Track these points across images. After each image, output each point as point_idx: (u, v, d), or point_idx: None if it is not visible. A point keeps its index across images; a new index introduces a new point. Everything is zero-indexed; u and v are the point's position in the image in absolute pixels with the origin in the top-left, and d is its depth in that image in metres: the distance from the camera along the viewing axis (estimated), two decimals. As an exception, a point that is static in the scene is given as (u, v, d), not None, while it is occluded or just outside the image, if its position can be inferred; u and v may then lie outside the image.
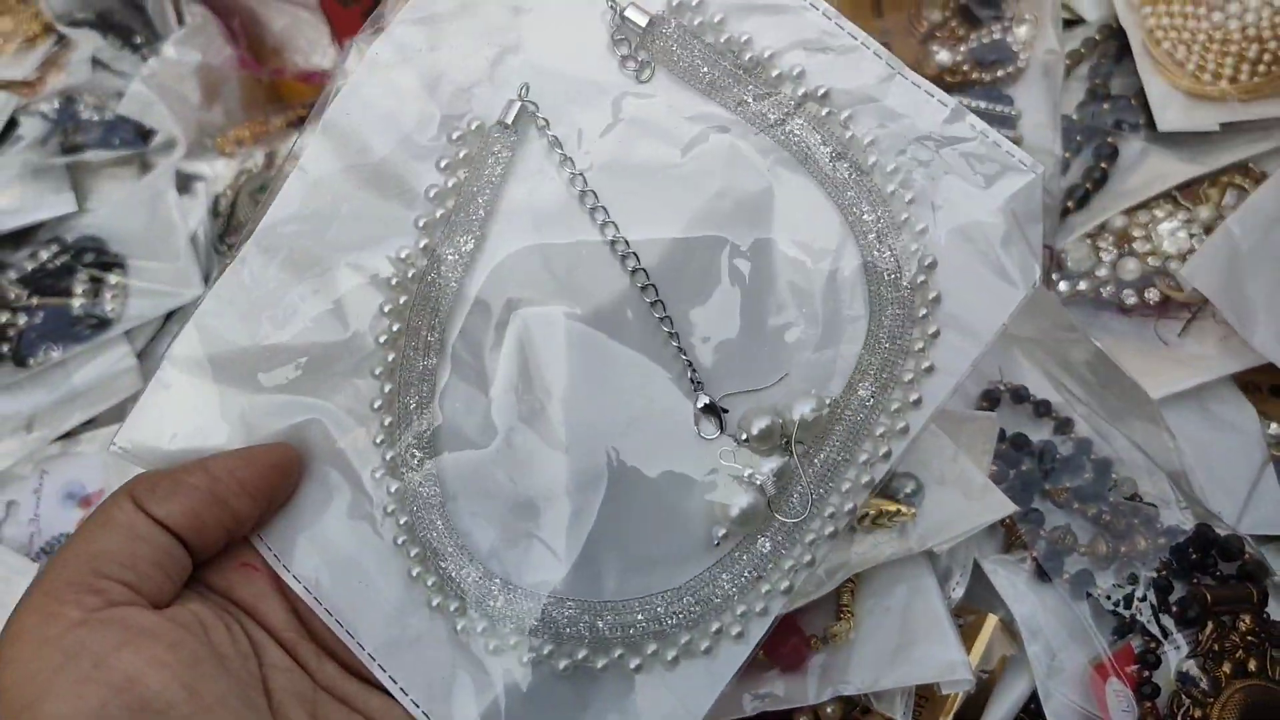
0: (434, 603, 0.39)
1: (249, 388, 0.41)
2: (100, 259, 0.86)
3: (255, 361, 0.41)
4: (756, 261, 0.41)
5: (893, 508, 0.49)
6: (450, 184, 0.41)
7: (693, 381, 0.40)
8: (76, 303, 0.83)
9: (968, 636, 0.51)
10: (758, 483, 0.38)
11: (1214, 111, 0.62)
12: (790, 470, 0.39)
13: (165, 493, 0.37)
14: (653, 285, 0.40)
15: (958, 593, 0.51)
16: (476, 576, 0.39)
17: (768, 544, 0.40)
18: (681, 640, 0.39)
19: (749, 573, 0.40)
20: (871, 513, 0.49)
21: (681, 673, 0.40)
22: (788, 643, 0.49)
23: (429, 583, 0.39)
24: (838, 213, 0.40)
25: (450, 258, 0.40)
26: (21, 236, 0.88)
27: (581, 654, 0.39)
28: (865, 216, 0.40)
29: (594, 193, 0.41)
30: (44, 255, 0.87)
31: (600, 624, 0.39)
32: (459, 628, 0.39)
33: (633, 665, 0.39)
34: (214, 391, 0.41)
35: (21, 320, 0.82)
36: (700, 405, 0.40)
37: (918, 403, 0.40)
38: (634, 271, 0.40)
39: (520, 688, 0.39)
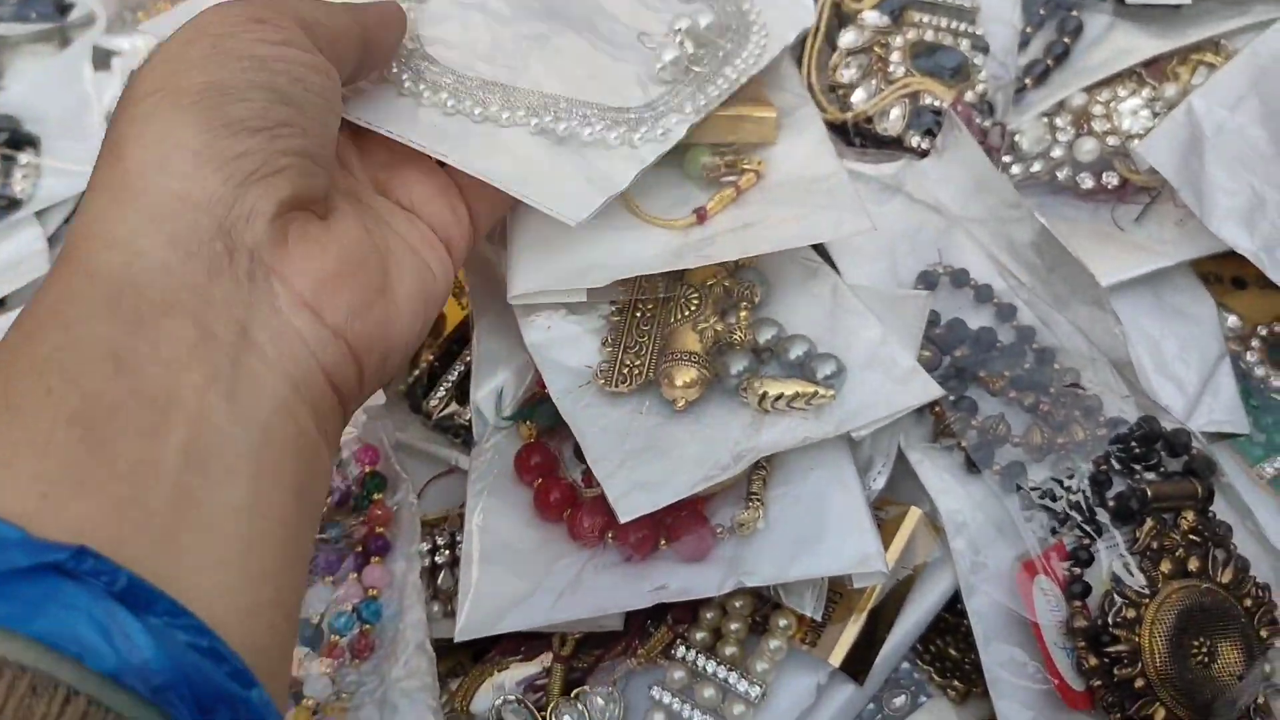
0: None
1: None
2: (13, 138, 0.81)
3: None
4: None
5: (810, 389, 0.45)
6: None
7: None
8: (-13, 181, 0.78)
9: (888, 530, 0.47)
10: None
11: (1186, -17, 0.57)
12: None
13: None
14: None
15: (879, 483, 0.47)
16: None
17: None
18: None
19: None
20: (787, 393, 0.45)
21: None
22: (692, 532, 0.45)
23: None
24: None
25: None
26: (-72, 115, 0.84)
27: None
28: None
29: None
30: (-47, 132, 0.82)
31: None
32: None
33: None
34: None
35: (-74, 200, 0.77)
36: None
37: None
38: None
39: None
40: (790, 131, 0.53)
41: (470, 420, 0.54)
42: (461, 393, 0.55)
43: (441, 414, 0.55)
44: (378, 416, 0.54)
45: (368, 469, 0.53)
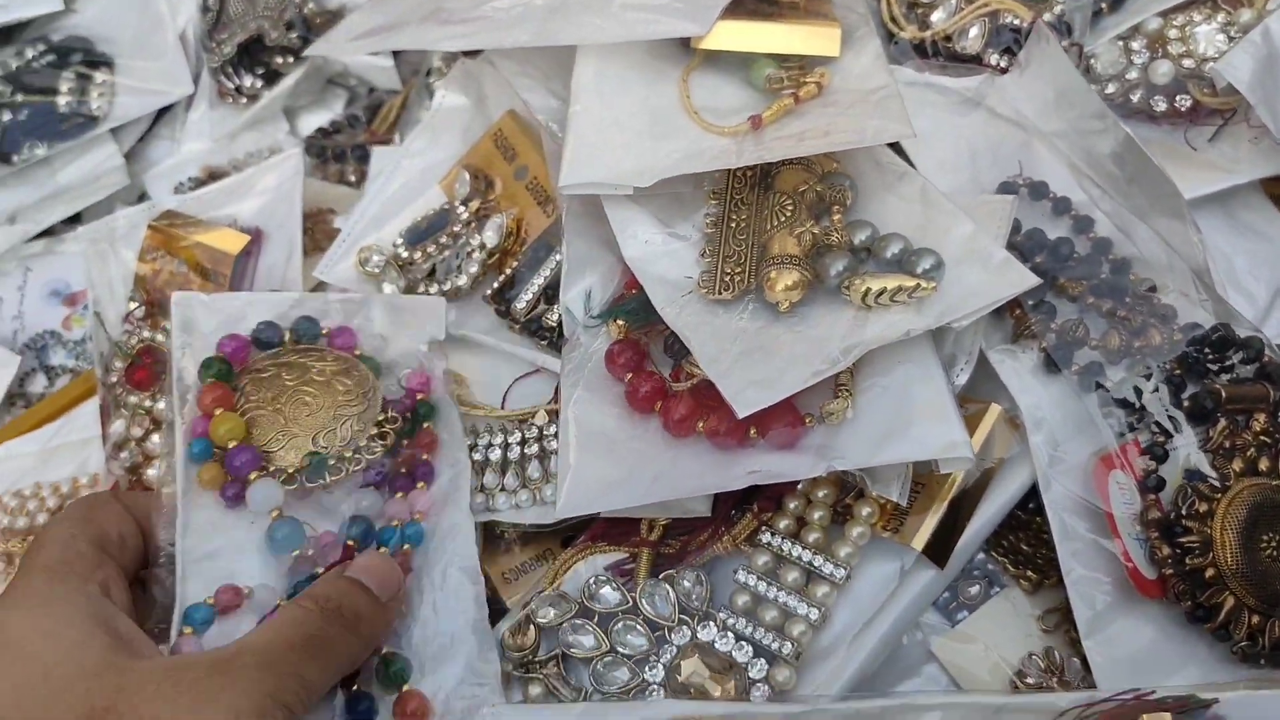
0: None
1: None
2: (88, 58, 0.83)
3: None
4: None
5: (911, 283, 0.47)
6: None
7: None
8: (62, 101, 0.80)
9: (970, 425, 0.49)
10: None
11: (1267, -97, 0.58)
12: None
13: None
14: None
15: (961, 379, 0.49)
16: None
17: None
18: None
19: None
20: (889, 288, 0.47)
21: None
22: (783, 421, 0.47)
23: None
24: None
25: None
26: (6, 36, 0.86)
27: None
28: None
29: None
30: (30, 54, 0.84)
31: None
32: None
33: None
34: None
35: (6, 117, 0.79)
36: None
37: None
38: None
39: None
40: (849, 49, 0.55)
41: (555, 322, 0.56)
42: (548, 296, 0.57)
43: (528, 316, 0.57)
44: (437, 349, 0.57)
45: (420, 396, 0.54)
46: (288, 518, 0.48)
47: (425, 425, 0.53)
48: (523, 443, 0.54)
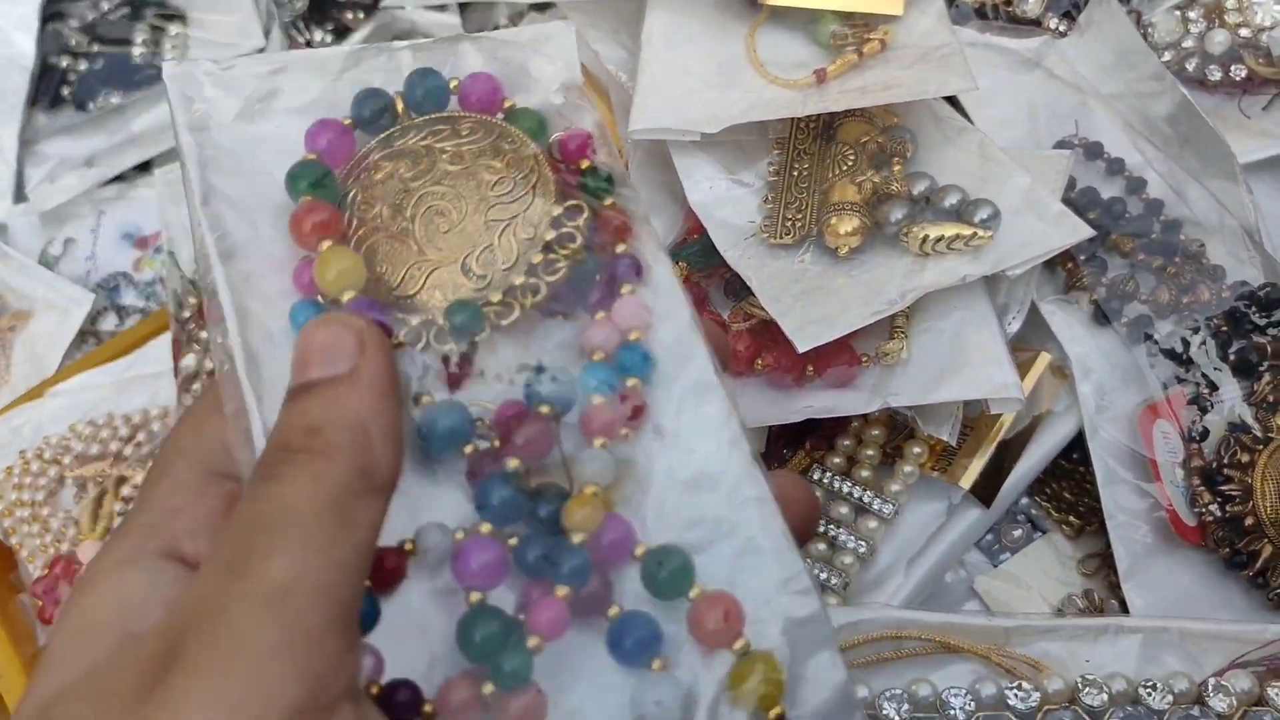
0: None
1: None
2: (161, 11, 0.85)
3: None
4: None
5: (968, 231, 0.48)
6: None
7: None
8: (136, 52, 0.83)
9: (1019, 372, 0.50)
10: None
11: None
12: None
13: None
14: None
15: (1013, 327, 0.50)
16: None
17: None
18: None
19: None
20: (947, 235, 0.48)
21: None
22: (839, 359, 0.49)
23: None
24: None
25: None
26: (83, -11, 0.88)
27: None
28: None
29: None
30: (105, 6, 0.86)
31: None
32: None
33: None
34: None
35: (82, 66, 0.82)
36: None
37: None
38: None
39: None
40: (913, 7, 0.56)
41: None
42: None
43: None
44: (580, 97, 0.36)
45: (584, 164, 0.34)
46: (442, 401, 0.30)
47: (608, 203, 0.33)
48: None
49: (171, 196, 0.74)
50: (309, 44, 0.80)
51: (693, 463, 0.30)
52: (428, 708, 0.26)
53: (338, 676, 0.23)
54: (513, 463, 0.29)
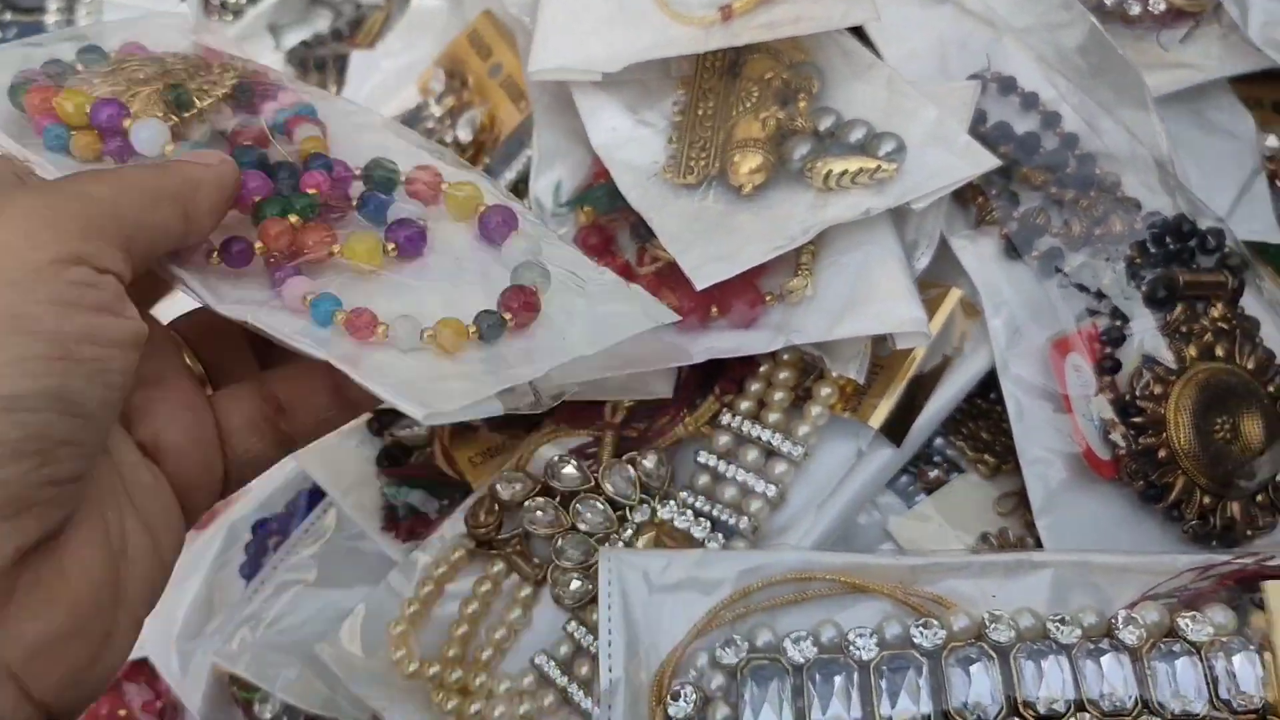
0: None
1: None
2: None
3: None
4: None
5: (872, 164, 0.47)
6: None
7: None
8: (50, 20, 0.81)
9: (929, 309, 0.49)
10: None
11: None
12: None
13: None
14: None
15: (922, 262, 0.49)
16: None
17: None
18: None
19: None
20: (851, 169, 0.47)
21: None
22: (743, 298, 0.48)
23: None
24: None
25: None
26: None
27: None
28: None
29: None
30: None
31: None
32: None
33: None
34: None
35: (-6, 34, 0.80)
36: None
37: None
38: None
39: None
40: None
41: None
42: (520, 191, 0.57)
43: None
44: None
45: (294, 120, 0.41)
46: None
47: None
48: None
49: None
50: (224, 5, 0.78)
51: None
52: (258, 247, 0.35)
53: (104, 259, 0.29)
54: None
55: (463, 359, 0.35)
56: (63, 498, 0.27)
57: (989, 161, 0.47)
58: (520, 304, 0.36)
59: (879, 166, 0.47)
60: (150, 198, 0.32)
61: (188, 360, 0.37)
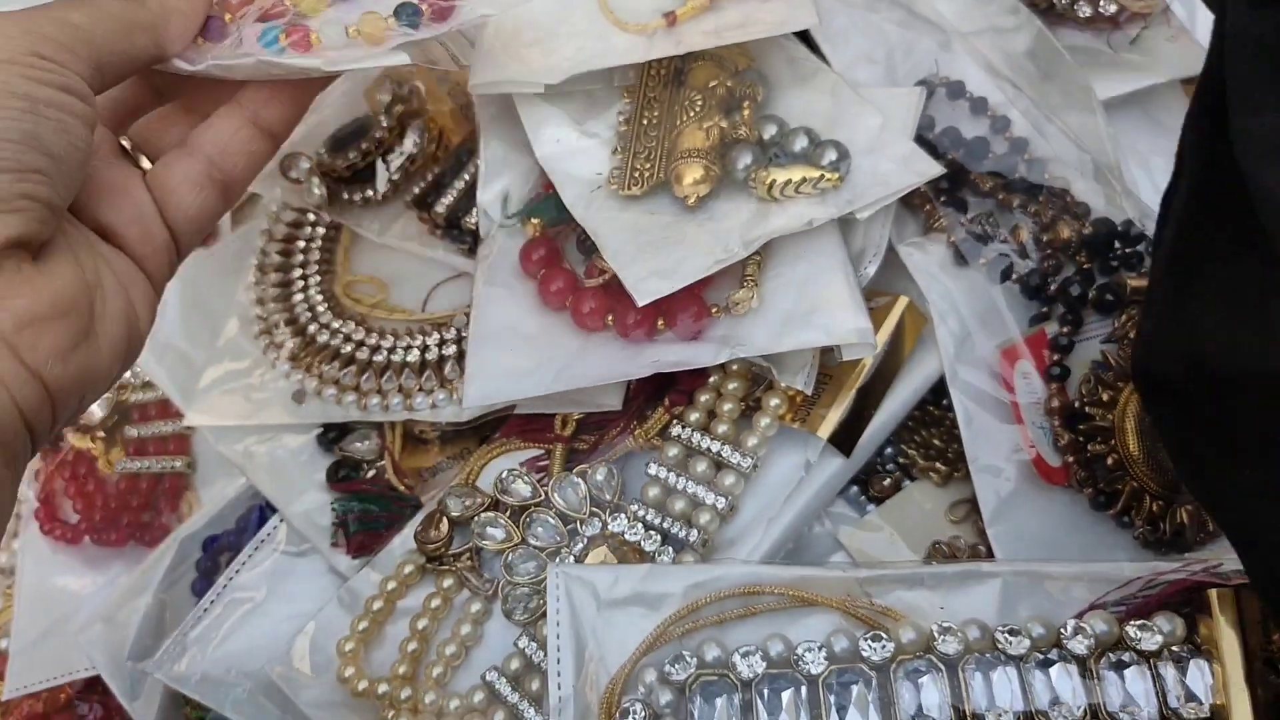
0: None
1: None
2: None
3: None
4: None
5: (816, 173, 0.47)
6: None
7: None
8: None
9: (878, 317, 0.49)
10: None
11: None
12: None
13: None
14: None
15: (870, 271, 0.49)
16: None
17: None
18: None
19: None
20: (794, 179, 0.47)
21: None
22: (688, 311, 0.47)
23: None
24: None
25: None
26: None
27: None
28: None
29: None
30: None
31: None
32: None
33: None
34: None
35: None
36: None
37: None
38: None
39: None
40: None
41: (475, 226, 0.56)
42: (469, 201, 0.57)
43: (448, 221, 0.57)
44: None
45: None
46: None
47: None
48: (440, 344, 0.54)
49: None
50: None
51: None
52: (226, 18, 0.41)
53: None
54: None
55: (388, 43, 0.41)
56: (39, 213, 0.33)
57: (933, 170, 0.47)
58: None
59: (822, 175, 0.47)
60: (124, 26, 0.37)
61: (123, 144, 0.41)
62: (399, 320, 0.56)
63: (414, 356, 0.54)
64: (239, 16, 0.41)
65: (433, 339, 0.54)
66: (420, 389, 0.53)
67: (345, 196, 0.58)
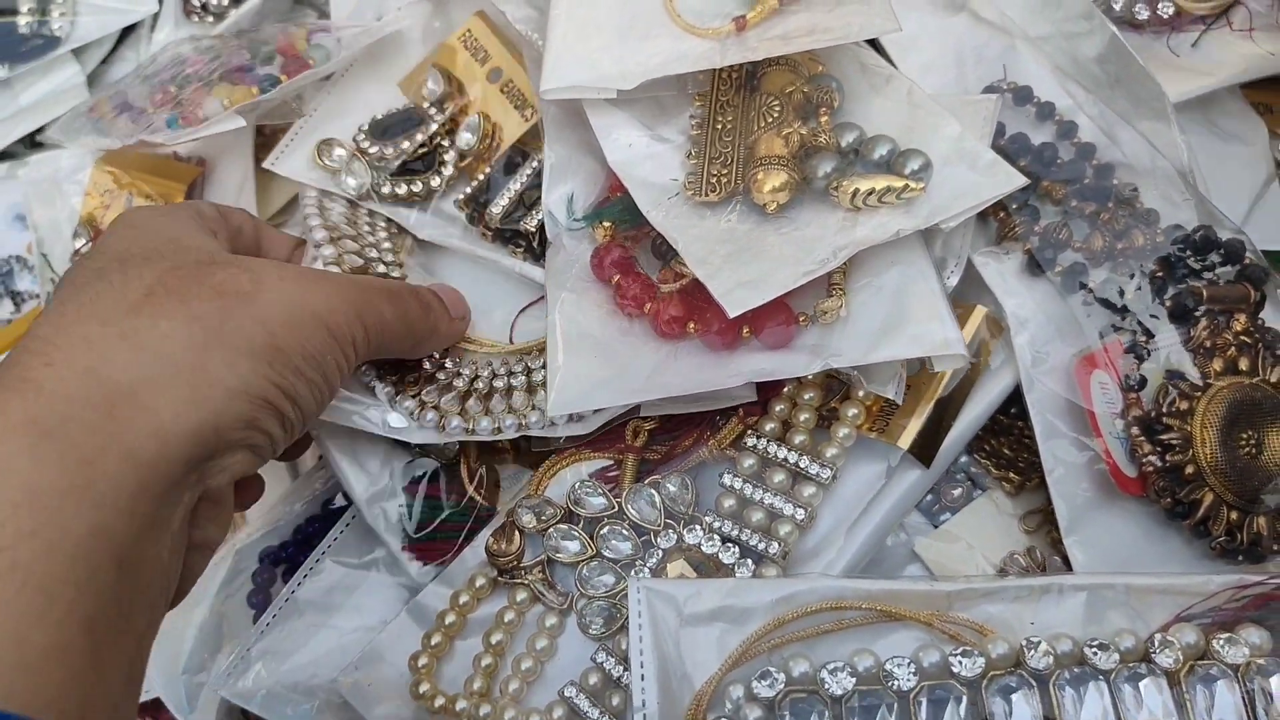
0: None
1: None
2: (48, -23, 0.80)
3: None
4: None
5: (900, 183, 0.46)
6: None
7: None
8: (23, 21, 0.78)
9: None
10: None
11: None
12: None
13: None
14: None
15: (952, 281, 0.49)
16: None
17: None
18: None
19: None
20: (878, 188, 0.46)
21: None
22: (777, 320, 0.47)
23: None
24: None
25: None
26: (-37, -42, 0.82)
27: None
28: None
29: None
30: (-12, -26, 0.81)
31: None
32: None
33: None
34: None
35: (-34, 39, 0.77)
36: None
37: None
38: None
39: None
40: None
41: (533, 228, 0.55)
42: (524, 202, 0.56)
43: (503, 223, 0.55)
44: None
45: None
46: None
47: None
48: (509, 374, 0.52)
49: (40, 195, 0.69)
50: (204, 7, 0.75)
51: None
52: None
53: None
54: None
55: None
56: (241, 464, 0.40)
57: (1017, 180, 0.46)
58: None
59: (906, 185, 0.46)
60: (410, 333, 0.47)
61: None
62: (485, 353, 0.54)
63: (518, 381, 0.52)
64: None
65: (518, 367, 0.52)
66: (486, 412, 0.51)
67: (389, 189, 0.56)
